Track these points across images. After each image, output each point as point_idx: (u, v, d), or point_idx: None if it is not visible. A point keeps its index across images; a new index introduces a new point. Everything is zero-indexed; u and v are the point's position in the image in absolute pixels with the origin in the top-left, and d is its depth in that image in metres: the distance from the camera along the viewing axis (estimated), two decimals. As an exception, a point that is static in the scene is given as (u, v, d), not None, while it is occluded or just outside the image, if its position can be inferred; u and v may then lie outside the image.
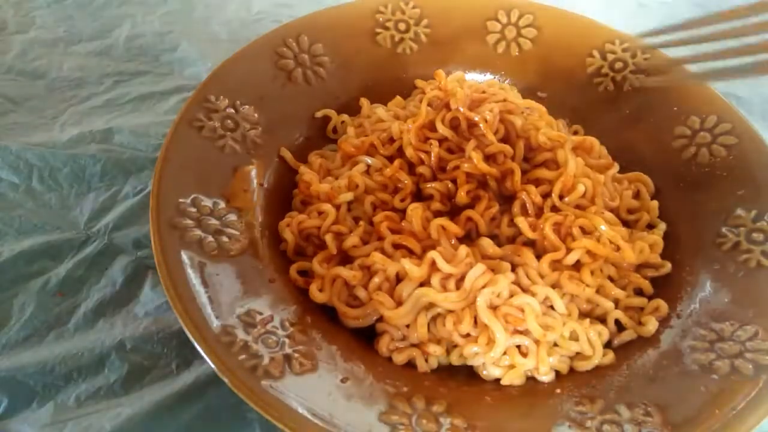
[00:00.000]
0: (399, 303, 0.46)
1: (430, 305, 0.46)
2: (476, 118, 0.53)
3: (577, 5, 0.69)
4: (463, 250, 0.47)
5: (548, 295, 0.47)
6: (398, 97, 0.64)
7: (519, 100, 0.59)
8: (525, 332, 0.45)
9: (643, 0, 0.96)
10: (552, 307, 0.47)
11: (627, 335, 0.48)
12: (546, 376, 0.45)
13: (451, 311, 0.46)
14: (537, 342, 0.45)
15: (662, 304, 0.49)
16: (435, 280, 0.46)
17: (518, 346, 0.45)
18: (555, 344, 0.46)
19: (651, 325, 0.47)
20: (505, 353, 0.45)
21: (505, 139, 0.55)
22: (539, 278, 0.48)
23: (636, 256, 0.50)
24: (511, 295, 0.46)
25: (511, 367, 0.45)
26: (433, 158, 0.53)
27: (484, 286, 0.45)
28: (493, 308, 0.45)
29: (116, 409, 0.45)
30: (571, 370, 0.46)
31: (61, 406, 0.45)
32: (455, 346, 0.46)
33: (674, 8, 0.94)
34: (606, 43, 0.65)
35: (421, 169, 0.54)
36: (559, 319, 0.46)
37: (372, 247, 0.50)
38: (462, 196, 0.52)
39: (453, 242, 0.50)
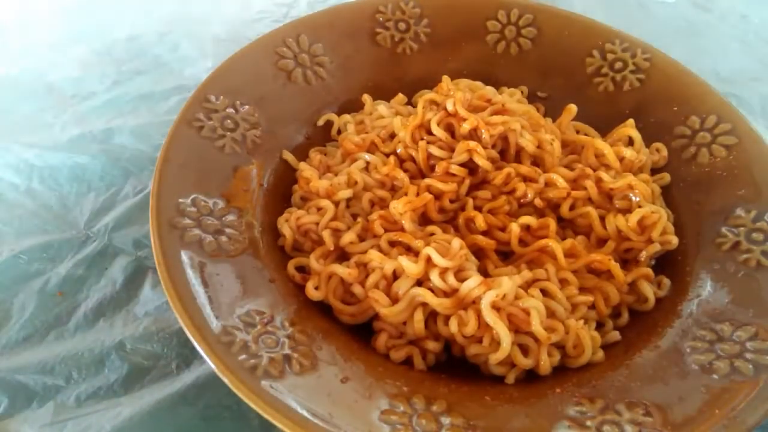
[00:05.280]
0: (395, 300, 0.46)
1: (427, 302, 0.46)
2: (467, 126, 0.53)
3: (577, 5, 0.69)
4: (457, 242, 0.47)
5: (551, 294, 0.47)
6: (400, 95, 0.64)
7: (517, 106, 0.58)
8: (527, 332, 0.45)
9: (643, 0, 0.96)
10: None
11: (612, 336, 0.48)
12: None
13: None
14: (538, 341, 0.45)
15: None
16: (434, 275, 0.46)
17: (519, 345, 0.45)
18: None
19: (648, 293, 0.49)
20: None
21: (502, 152, 0.55)
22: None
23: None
24: (517, 297, 0.45)
25: (513, 365, 0.45)
26: (420, 159, 0.54)
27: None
28: (497, 309, 0.45)
29: (116, 409, 0.45)
30: (568, 368, 0.46)
31: (61, 406, 0.45)
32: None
33: (674, 8, 0.94)
34: (606, 43, 0.65)
35: (407, 165, 0.55)
36: (561, 315, 0.46)
37: (368, 245, 0.50)
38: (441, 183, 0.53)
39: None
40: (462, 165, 0.53)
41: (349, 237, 0.50)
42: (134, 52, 0.78)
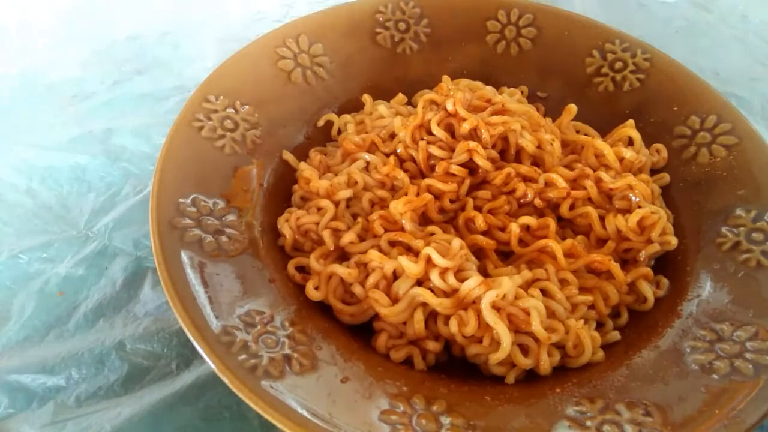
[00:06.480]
0: (395, 300, 0.46)
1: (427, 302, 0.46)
2: (467, 126, 0.53)
3: (577, 5, 0.69)
4: (457, 242, 0.47)
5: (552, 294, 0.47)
6: (400, 95, 0.64)
7: (517, 106, 0.58)
8: (527, 332, 0.45)
9: (643, 0, 0.96)
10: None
11: (612, 336, 0.48)
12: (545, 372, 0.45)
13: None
14: (538, 341, 0.45)
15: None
16: (434, 275, 0.46)
17: (519, 345, 0.45)
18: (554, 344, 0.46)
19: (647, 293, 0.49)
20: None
21: (502, 152, 0.55)
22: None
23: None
24: (517, 297, 0.45)
25: (513, 365, 0.45)
26: (420, 159, 0.54)
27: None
28: (497, 309, 0.45)
29: (116, 409, 0.45)
30: (568, 368, 0.46)
31: (61, 406, 0.45)
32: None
33: (674, 8, 0.94)
34: (606, 43, 0.65)
35: (407, 165, 0.55)
36: (561, 315, 0.46)
37: (368, 244, 0.50)
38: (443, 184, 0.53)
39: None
40: (462, 165, 0.54)
41: (349, 237, 0.50)
42: (134, 52, 0.78)
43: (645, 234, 0.52)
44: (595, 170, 0.55)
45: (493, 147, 0.54)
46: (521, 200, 0.53)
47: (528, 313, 0.44)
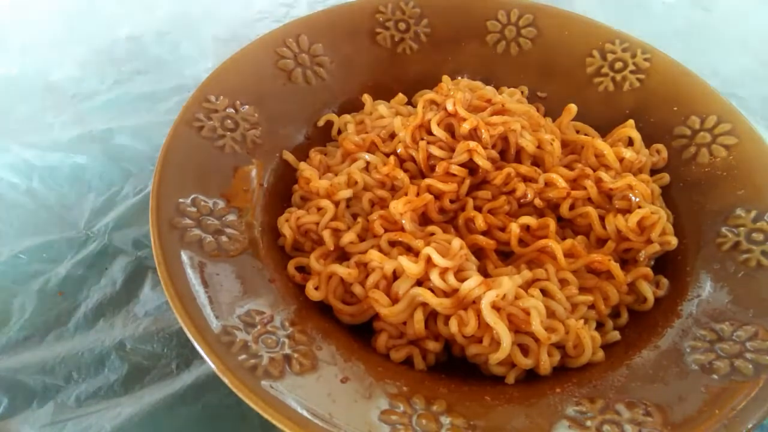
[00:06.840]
0: (395, 300, 0.46)
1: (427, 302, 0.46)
2: (467, 126, 0.53)
3: (576, 5, 0.69)
4: (457, 242, 0.47)
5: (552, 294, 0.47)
6: (400, 95, 0.64)
7: (517, 106, 0.58)
8: (527, 332, 0.45)
9: (643, 0, 0.96)
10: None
11: (612, 336, 0.48)
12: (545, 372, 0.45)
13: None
14: (538, 341, 0.45)
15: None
16: (434, 275, 0.46)
17: (519, 345, 0.45)
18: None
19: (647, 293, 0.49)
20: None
21: (502, 152, 0.55)
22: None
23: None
24: (517, 297, 0.45)
25: (513, 365, 0.45)
26: (420, 159, 0.54)
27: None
28: (497, 309, 0.45)
29: (116, 409, 0.45)
30: (568, 368, 0.46)
31: (61, 406, 0.45)
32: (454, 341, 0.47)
33: (674, 8, 0.94)
34: (606, 43, 0.65)
35: (407, 165, 0.55)
36: (561, 315, 0.46)
37: (368, 244, 0.50)
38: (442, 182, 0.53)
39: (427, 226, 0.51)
40: (462, 165, 0.54)
41: (349, 237, 0.50)
42: (134, 52, 0.78)
43: (645, 234, 0.52)
44: (595, 170, 0.55)
45: (493, 147, 0.55)
46: (521, 200, 0.53)
47: (528, 313, 0.45)
